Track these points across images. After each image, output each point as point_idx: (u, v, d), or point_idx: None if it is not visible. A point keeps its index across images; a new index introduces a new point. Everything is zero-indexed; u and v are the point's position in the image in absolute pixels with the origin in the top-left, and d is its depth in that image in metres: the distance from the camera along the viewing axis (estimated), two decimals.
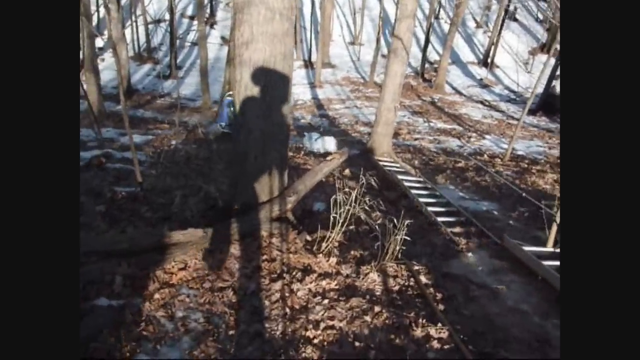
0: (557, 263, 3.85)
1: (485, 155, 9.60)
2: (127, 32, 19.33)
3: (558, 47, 16.84)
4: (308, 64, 22.92)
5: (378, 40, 19.98)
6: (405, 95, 16.89)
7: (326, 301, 3.06)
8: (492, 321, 3.08)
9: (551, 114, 15.57)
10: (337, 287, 3.27)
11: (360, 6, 26.41)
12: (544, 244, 4.33)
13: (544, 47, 23.69)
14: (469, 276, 3.76)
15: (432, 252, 4.21)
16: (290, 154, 7.49)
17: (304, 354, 2.56)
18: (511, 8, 25.17)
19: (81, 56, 11.40)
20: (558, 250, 4.24)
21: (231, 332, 2.72)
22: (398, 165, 7.77)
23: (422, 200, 5.61)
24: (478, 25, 27.27)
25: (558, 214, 4.18)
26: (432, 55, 23.72)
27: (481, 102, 17.98)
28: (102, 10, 16.48)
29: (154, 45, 22.42)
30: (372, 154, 8.20)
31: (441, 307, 3.16)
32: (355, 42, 26.23)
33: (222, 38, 24.07)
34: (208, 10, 25.47)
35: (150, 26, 22.22)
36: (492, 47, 22.55)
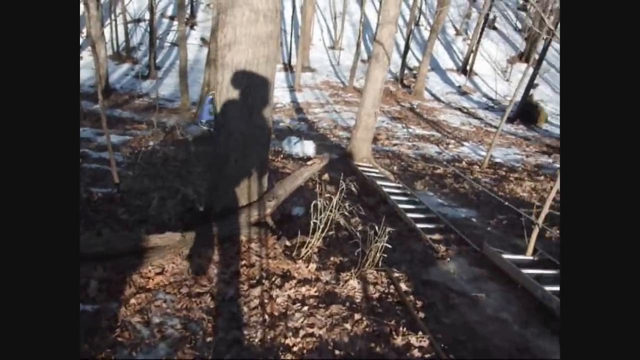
0: (537, 271, 3.90)
1: (464, 162, 9.71)
2: (106, 30, 18.97)
3: (537, 56, 17.25)
4: (288, 67, 22.90)
5: (358, 45, 20.07)
6: (384, 101, 16.97)
7: (306, 308, 3.02)
8: (473, 329, 3.09)
9: (529, 122, 15.90)
10: (316, 293, 3.23)
11: (341, 11, 26.60)
12: (523, 252, 4.39)
13: (522, 56, 24.22)
14: (449, 284, 3.78)
15: (411, 259, 4.21)
16: (269, 157, 7.44)
17: None
18: (491, 17, 25.64)
19: None
20: (537, 258, 4.30)
21: (209, 339, 2.65)
22: (377, 170, 7.78)
23: (401, 206, 5.61)
24: (458, 33, 27.71)
25: (540, 221, 4.23)
26: (412, 62, 23.99)
27: (460, 109, 18.23)
28: (81, 7, 16.09)
29: (133, 44, 22.03)
30: (351, 158, 8.19)
31: (421, 315, 3.15)
32: (335, 46, 26.36)
33: (202, 39, 23.86)
34: (188, 11, 25.22)
35: (129, 25, 21.85)
36: (472, 55, 22.91)
